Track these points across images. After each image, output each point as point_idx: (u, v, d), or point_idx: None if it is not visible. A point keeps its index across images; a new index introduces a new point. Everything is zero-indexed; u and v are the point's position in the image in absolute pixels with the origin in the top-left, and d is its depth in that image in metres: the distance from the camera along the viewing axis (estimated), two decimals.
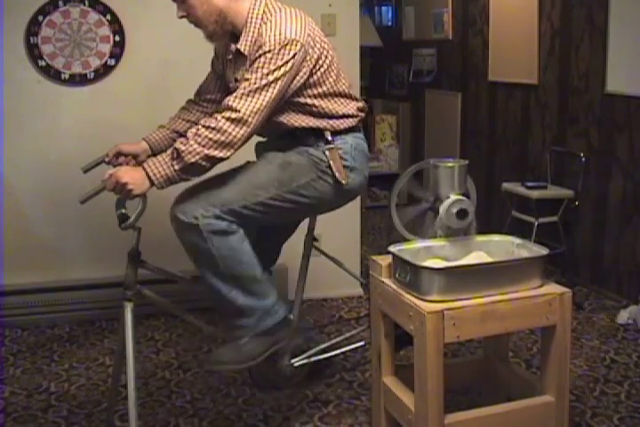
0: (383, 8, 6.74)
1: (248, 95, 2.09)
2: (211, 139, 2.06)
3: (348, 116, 2.32)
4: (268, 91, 2.10)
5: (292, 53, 2.11)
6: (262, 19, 2.19)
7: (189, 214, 2.17)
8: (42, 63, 3.35)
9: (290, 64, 2.11)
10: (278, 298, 2.37)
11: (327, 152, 2.27)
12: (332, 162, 2.27)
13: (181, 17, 2.25)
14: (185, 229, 2.19)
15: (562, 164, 4.13)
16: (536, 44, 4.27)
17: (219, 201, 2.18)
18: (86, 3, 3.35)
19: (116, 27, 3.40)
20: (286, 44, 2.11)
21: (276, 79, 2.10)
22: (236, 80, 2.27)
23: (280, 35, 2.12)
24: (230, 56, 2.30)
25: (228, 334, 2.41)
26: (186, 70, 3.36)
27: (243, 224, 2.24)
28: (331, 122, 2.30)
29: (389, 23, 6.65)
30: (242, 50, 2.21)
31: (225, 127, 2.07)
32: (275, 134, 2.39)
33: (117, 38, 3.41)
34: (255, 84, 2.09)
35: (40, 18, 3.31)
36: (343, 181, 2.28)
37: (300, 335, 2.67)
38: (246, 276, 2.26)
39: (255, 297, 2.29)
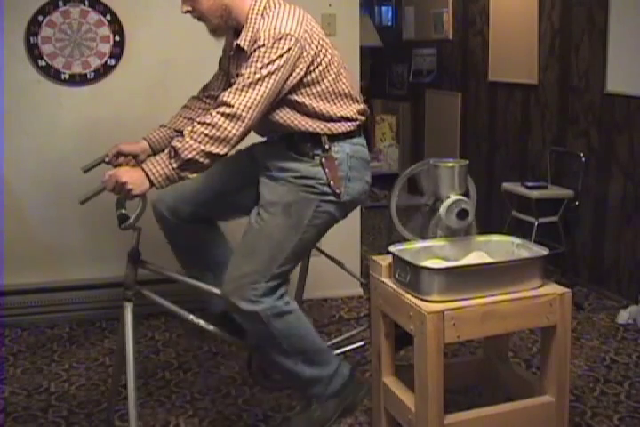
0: (383, 8, 6.75)
1: (242, 90, 2.08)
2: (206, 135, 2.06)
3: (346, 119, 2.28)
4: (262, 85, 2.08)
5: (286, 48, 2.09)
6: (262, 15, 2.18)
7: (244, 300, 2.19)
8: (42, 63, 3.35)
9: (284, 58, 2.09)
10: (338, 358, 2.45)
11: (323, 160, 2.25)
12: (327, 170, 2.25)
13: (186, 12, 2.23)
14: (246, 316, 2.23)
15: (562, 164, 4.13)
16: (536, 44, 4.27)
17: (256, 275, 2.21)
18: (86, 3, 3.35)
19: (116, 27, 3.39)
20: (280, 39, 2.09)
21: (270, 73, 2.08)
22: (238, 76, 2.27)
23: (274, 29, 2.10)
24: (232, 52, 2.30)
25: (299, 404, 2.48)
26: (186, 70, 3.36)
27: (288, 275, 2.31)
28: (328, 125, 2.26)
29: (389, 23, 6.65)
30: (242, 45, 2.20)
31: (220, 122, 2.06)
32: (270, 135, 2.39)
33: (117, 38, 3.40)
34: (249, 78, 2.08)
35: (40, 18, 3.31)
36: (337, 191, 2.25)
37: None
38: (309, 348, 2.33)
39: (320, 365, 2.35)
